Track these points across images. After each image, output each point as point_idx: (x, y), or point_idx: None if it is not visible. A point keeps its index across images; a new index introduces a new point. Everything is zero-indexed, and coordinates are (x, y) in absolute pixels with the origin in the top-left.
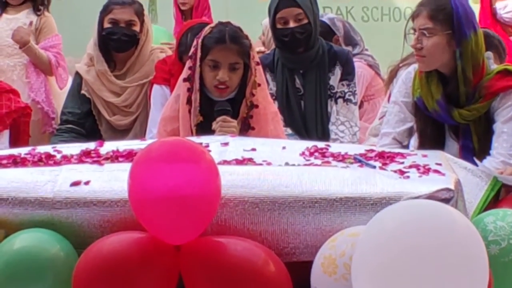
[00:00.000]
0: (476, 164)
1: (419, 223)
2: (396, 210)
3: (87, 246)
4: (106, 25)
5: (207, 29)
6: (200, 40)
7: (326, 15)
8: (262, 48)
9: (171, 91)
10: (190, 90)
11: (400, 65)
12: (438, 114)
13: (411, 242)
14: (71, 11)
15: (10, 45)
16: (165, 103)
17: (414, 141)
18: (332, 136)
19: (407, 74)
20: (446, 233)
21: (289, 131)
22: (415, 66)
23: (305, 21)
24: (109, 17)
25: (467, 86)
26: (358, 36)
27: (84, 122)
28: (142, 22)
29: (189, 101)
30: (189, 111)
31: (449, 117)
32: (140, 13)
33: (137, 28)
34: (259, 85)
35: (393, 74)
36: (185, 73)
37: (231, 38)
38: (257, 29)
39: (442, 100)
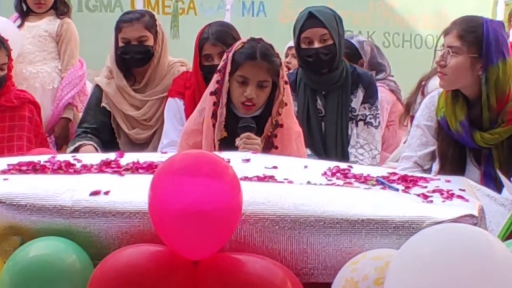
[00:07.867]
0: (498, 192)
1: (457, 248)
2: (431, 234)
3: (104, 257)
4: (120, 43)
5: (238, 44)
6: (230, 55)
7: (356, 36)
8: None
9: (185, 103)
10: (216, 104)
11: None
12: (461, 136)
13: (448, 268)
14: (92, 24)
15: (32, 52)
16: (177, 115)
17: (435, 166)
18: (352, 158)
19: (431, 98)
20: (485, 259)
21: (308, 151)
22: (439, 90)
23: (330, 42)
24: (121, 36)
25: (491, 112)
26: (386, 62)
27: (101, 135)
28: (155, 34)
29: (214, 115)
30: (214, 125)
31: (471, 139)
32: (150, 26)
33: (150, 42)
34: (286, 104)
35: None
36: (212, 86)
37: (262, 55)
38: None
39: (465, 121)
